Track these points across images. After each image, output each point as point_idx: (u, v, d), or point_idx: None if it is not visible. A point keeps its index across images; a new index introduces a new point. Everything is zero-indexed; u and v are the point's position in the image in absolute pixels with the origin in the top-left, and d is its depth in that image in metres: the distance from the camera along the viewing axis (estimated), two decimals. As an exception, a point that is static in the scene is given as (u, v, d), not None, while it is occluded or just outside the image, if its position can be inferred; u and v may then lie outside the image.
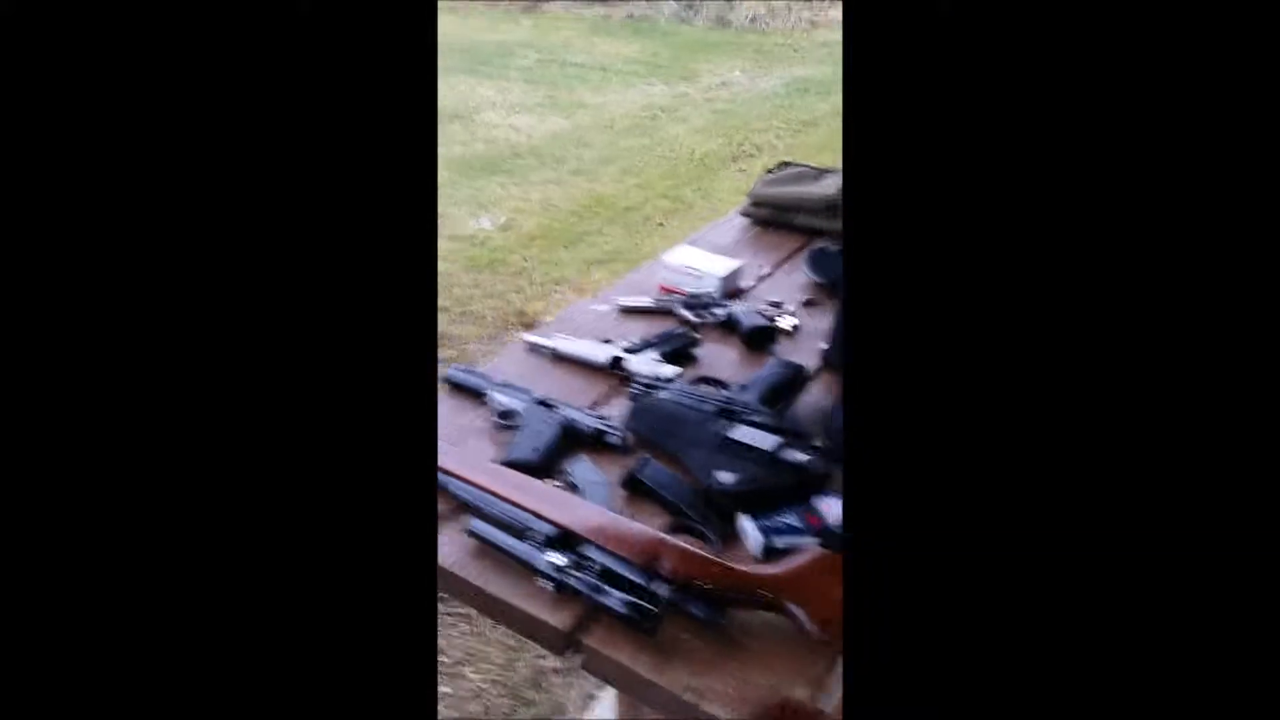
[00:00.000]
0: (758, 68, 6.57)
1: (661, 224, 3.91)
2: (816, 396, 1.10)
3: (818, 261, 1.41)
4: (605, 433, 0.99)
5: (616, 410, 1.06)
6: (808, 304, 1.34)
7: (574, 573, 0.77)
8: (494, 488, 0.88)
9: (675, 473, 0.93)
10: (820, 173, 1.66)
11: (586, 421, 1.01)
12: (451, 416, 1.06)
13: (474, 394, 1.08)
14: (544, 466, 0.94)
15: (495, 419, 1.02)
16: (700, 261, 1.36)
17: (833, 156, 5.02)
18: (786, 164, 1.71)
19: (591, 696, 1.78)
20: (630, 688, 0.74)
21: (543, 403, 1.04)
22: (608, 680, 0.78)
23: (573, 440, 0.99)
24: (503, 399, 1.04)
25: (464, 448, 0.99)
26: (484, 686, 1.87)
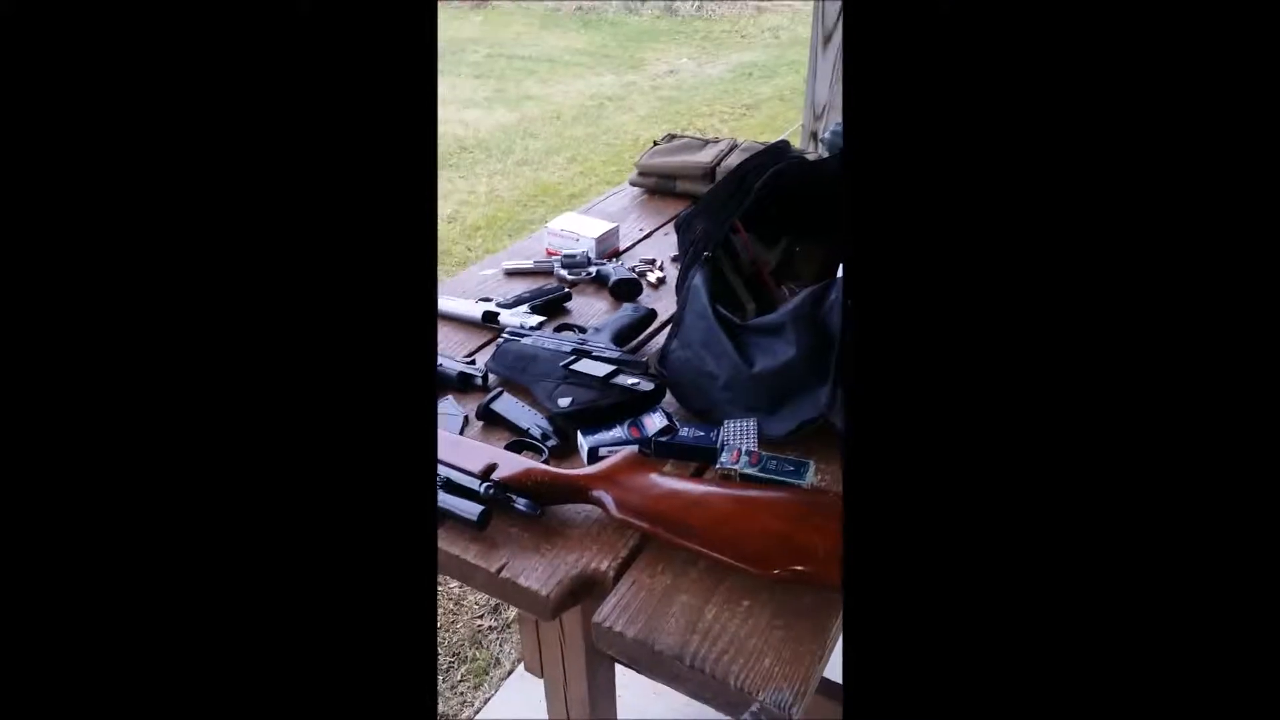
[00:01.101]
0: (705, 54, 6.69)
1: (604, 208, 4.03)
2: (664, 336, 1.23)
3: (685, 222, 1.54)
4: (468, 375, 1.12)
5: (483, 357, 1.19)
6: (676, 259, 1.47)
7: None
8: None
9: (524, 403, 1.06)
10: (704, 143, 1.79)
11: (453, 365, 1.13)
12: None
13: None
14: (408, 403, 1.06)
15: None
16: (579, 226, 1.49)
17: (773, 136, 5.16)
18: (673, 136, 1.83)
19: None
20: (463, 576, 0.87)
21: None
22: (447, 573, 0.90)
23: (442, 383, 1.12)
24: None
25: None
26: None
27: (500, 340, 1.19)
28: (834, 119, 2.36)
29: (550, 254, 1.49)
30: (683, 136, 1.83)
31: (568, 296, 1.32)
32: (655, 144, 1.81)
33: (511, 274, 1.43)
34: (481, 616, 2.05)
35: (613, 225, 1.50)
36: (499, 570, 0.84)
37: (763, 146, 1.81)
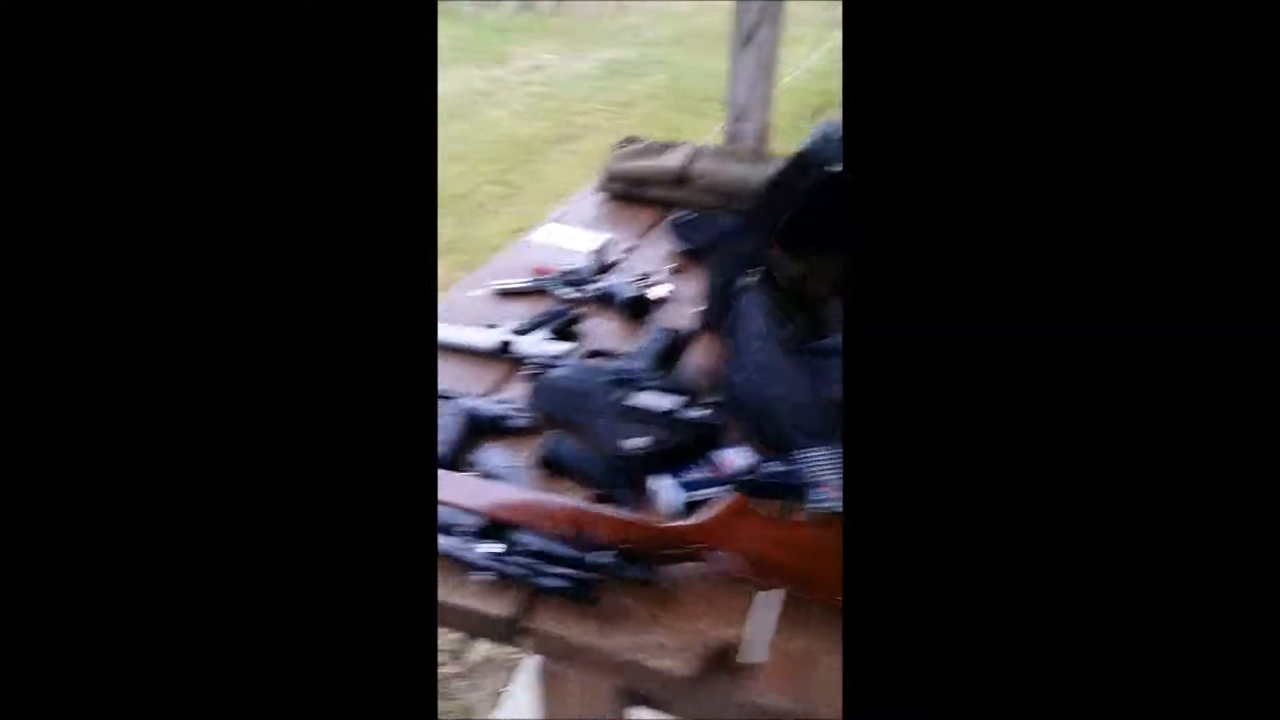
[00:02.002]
0: (569, 50, 6.58)
1: (495, 211, 3.86)
2: (699, 357, 1.15)
3: (679, 230, 1.46)
4: (508, 417, 0.99)
5: (514, 393, 1.06)
6: (674, 271, 1.38)
7: (509, 559, 0.78)
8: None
9: (584, 446, 0.95)
10: (664, 146, 1.71)
11: (488, 408, 1.00)
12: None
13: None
14: (453, 460, 0.92)
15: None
16: (568, 239, 1.37)
17: (659, 135, 5.14)
18: (631, 139, 1.74)
19: (499, 694, 1.77)
20: (579, 660, 0.75)
21: (439, 395, 1.02)
22: (556, 657, 0.78)
23: (477, 429, 0.98)
24: (394, 395, 1.01)
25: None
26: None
27: (529, 373, 1.06)
28: (752, 122, 2.34)
29: (538, 270, 1.36)
30: (640, 140, 1.74)
31: (578, 319, 1.20)
32: (617, 148, 1.71)
33: (503, 295, 1.30)
34: (444, 663, 1.89)
35: (605, 237, 1.39)
36: (634, 654, 0.73)
37: (728, 150, 1.76)
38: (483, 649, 1.85)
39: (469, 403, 1.00)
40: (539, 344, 1.13)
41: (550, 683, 0.91)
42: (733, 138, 2.30)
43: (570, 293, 1.28)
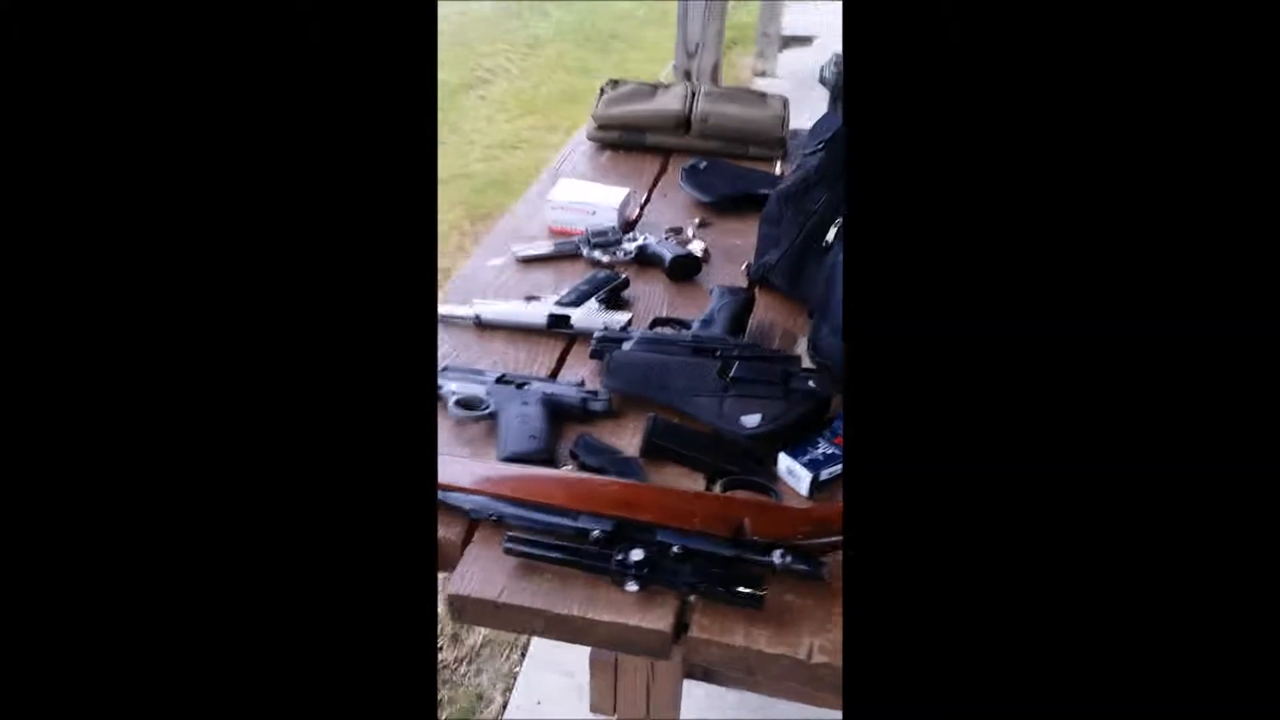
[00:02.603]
0: (461, -12, 6.18)
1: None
2: (765, 317, 1.06)
3: (695, 180, 1.36)
4: (589, 400, 0.88)
5: (580, 373, 0.95)
6: (702, 225, 1.28)
7: (656, 565, 0.68)
8: (507, 491, 0.74)
9: (688, 427, 0.85)
10: (653, 88, 1.59)
11: (567, 393, 0.89)
12: (392, 419, 0.88)
13: (410, 387, 0.91)
14: (549, 454, 0.81)
15: (454, 410, 0.87)
16: (589, 195, 1.25)
17: (566, 75, 4.92)
18: (616, 82, 1.61)
19: (512, 675, 1.67)
20: (752, 668, 0.68)
21: (505, 380, 0.90)
22: (720, 667, 0.70)
23: (556, 414, 0.87)
24: (455, 385, 0.89)
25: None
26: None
27: (594, 350, 0.95)
28: (709, 58, 2.23)
29: (559, 232, 1.23)
30: (627, 82, 1.61)
31: (626, 284, 1.09)
32: (603, 91, 1.57)
33: (527, 261, 1.17)
34: (441, 647, 1.77)
35: (626, 191, 1.27)
36: (809, 655, 0.66)
37: (721, 91, 1.65)
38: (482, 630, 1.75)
39: (541, 386, 0.89)
40: (594, 315, 1.01)
41: (599, 668, 0.84)
42: (687, 75, 2.19)
43: (600, 255, 1.16)
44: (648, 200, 1.36)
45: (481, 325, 1.02)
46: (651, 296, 1.11)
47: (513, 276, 1.14)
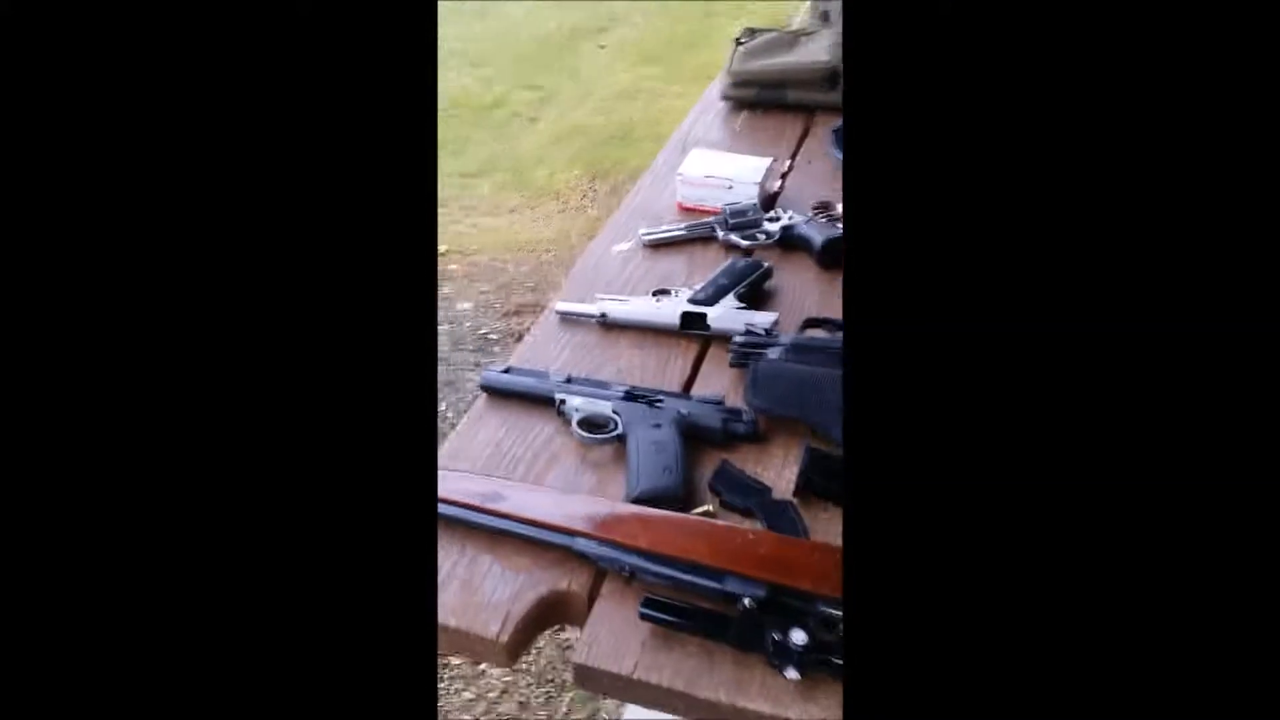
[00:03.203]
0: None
1: (534, 119, 3.52)
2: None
3: (841, 138, 1.19)
4: (730, 421, 0.77)
5: (719, 385, 0.83)
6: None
7: (821, 647, 0.57)
8: (642, 543, 0.64)
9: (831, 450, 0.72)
10: (795, 36, 1.42)
11: (705, 415, 0.77)
12: (510, 437, 0.79)
13: (530, 400, 0.82)
14: (686, 490, 0.71)
15: (578, 431, 0.77)
16: (724, 167, 1.11)
17: (685, 21, 4.68)
18: (753, 31, 1.44)
19: None
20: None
21: (634, 396, 0.79)
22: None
23: (694, 439, 0.76)
24: (579, 401, 0.79)
25: (556, 484, 0.74)
26: (509, 679, 1.67)
27: (735, 357, 0.83)
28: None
29: (690, 210, 1.10)
30: (765, 30, 1.44)
31: (769, 274, 0.96)
32: (739, 43, 1.41)
33: (655, 246, 1.05)
34: (563, 628, 1.72)
35: (765, 161, 1.13)
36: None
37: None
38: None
39: (676, 405, 0.78)
40: (734, 315, 0.89)
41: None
42: (824, 17, 1.98)
43: (738, 238, 1.03)
44: (790, 169, 1.21)
45: (607, 324, 0.91)
46: (799, 289, 0.97)
47: (640, 265, 1.03)
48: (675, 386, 0.84)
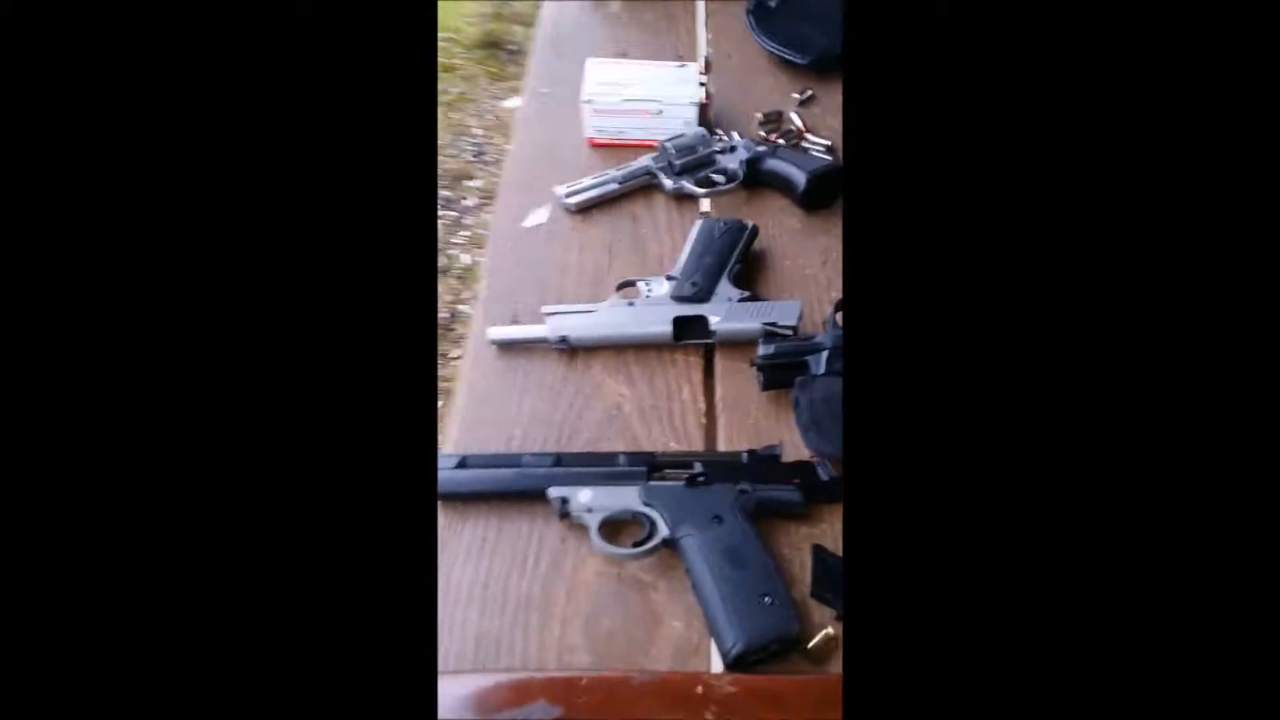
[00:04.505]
0: None
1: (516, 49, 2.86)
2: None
3: (769, 26, 0.95)
4: (811, 485, 0.56)
5: (744, 413, 0.62)
6: (806, 102, 0.90)
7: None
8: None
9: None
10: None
11: (778, 486, 0.56)
12: (499, 567, 0.55)
13: (508, 498, 0.57)
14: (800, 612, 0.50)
15: (599, 543, 0.54)
16: (645, 84, 0.83)
17: None
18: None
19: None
20: None
21: (661, 471, 0.56)
22: None
23: (762, 519, 0.55)
24: (588, 496, 0.55)
25: (598, 631, 0.51)
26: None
27: (760, 373, 0.62)
28: None
29: (603, 146, 0.83)
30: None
31: (755, 234, 0.73)
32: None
33: (585, 209, 0.78)
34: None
35: (692, 68, 0.86)
36: None
37: None
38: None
39: (724, 475, 0.56)
40: (741, 309, 0.66)
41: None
42: None
43: (692, 185, 0.78)
44: (707, 70, 0.95)
45: (570, 348, 0.66)
46: (790, 246, 0.75)
47: (571, 242, 0.76)
48: (693, 429, 0.61)
